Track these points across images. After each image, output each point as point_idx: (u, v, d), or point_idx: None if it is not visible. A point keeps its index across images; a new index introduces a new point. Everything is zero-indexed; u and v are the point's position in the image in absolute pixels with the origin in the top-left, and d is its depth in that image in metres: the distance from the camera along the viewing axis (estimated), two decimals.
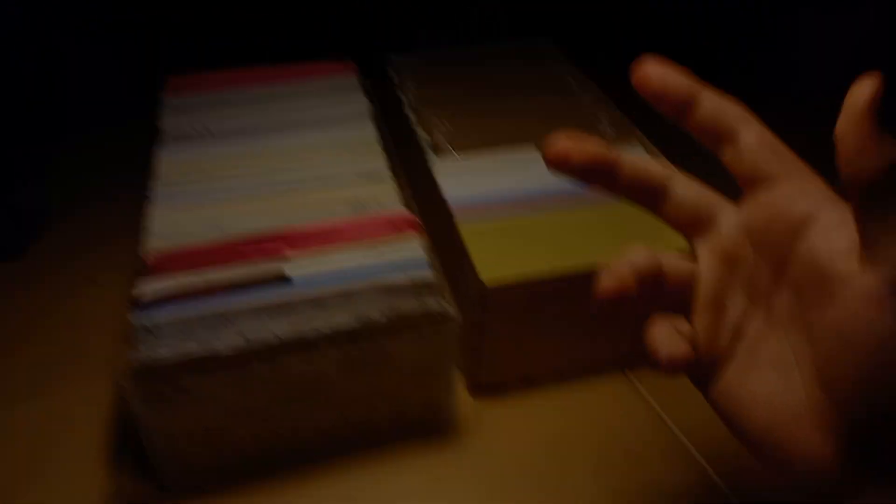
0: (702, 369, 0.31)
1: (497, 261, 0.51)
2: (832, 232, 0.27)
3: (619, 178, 0.32)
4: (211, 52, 0.82)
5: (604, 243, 0.56)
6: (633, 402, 0.54)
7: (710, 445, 0.50)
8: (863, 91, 0.24)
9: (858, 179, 0.24)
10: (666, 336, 0.30)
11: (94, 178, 0.78)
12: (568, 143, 0.32)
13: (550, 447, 0.50)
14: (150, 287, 0.45)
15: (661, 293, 0.31)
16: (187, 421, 0.44)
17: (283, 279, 0.46)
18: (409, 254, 0.49)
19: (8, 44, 0.81)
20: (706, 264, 0.32)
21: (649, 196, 0.33)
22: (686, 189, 0.33)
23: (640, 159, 0.33)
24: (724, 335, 0.31)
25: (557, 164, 0.32)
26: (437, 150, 0.63)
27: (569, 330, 0.51)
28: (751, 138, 0.30)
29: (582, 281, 0.49)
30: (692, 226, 0.33)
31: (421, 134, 0.66)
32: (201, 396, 0.43)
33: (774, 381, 0.29)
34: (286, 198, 0.55)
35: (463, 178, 0.59)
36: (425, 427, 0.51)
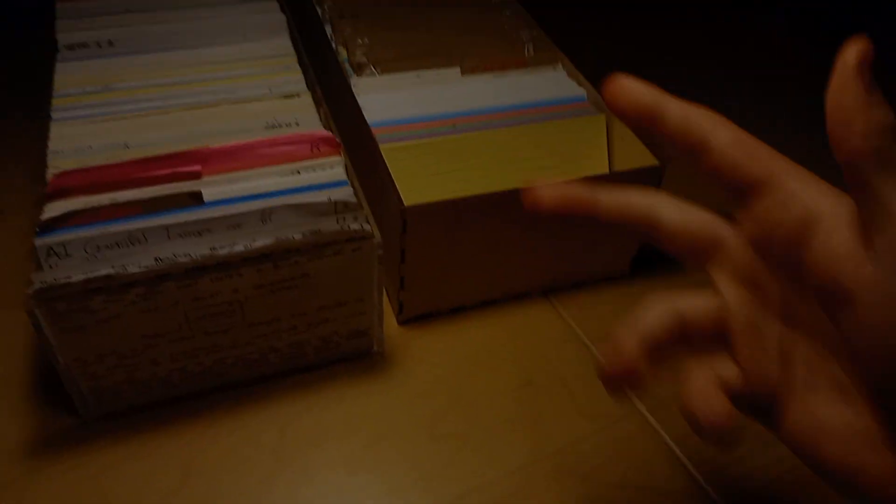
0: (761, 407, 0.28)
1: (417, 181, 0.51)
2: (836, 232, 0.24)
3: (601, 218, 0.31)
4: None
5: (526, 163, 0.57)
6: (556, 326, 0.56)
7: None
8: (852, 51, 0.22)
9: (851, 148, 0.22)
10: (702, 395, 0.27)
11: None
12: (544, 191, 0.30)
13: (476, 370, 0.52)
14: (55, 208, 0.43)
15: (691, 341, 0.29)
16: (99, 345, 0.43)
17: (196, 199, 0.45)
18: (328, 174, 0.48)
19: None
20: (728, 292, 0.29)
21: (638, 231, 0.31)
22: (675, 215, 0.30)
23: (620, 194, 0.31)
24: (772, 364, 0.27)
25: (534, 209, 0.31)
26: (355, 66, 0.61)
27: (491, 253, 0.52)
28: (723, 139, 0.27)
29: (503, 200, 0.50)
30: (697, 254, 0.30)
31: (339, 49, 0.64)
32: (111, 318, 0.42)
33: (840, 407, 0.26)
34: (197, 114, 0.53)
35: (382, 97, 0.58)
36: (353, 352, 0.51)
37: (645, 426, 0.49)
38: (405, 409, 0.49)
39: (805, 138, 0.71)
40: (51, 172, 0.46)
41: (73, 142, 0.49)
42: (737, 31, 0.97)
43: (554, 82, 0.61)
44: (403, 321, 0.55)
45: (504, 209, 0.50)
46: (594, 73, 0.62)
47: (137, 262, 0.40)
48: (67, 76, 0.56)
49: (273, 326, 0.47)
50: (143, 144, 0.50)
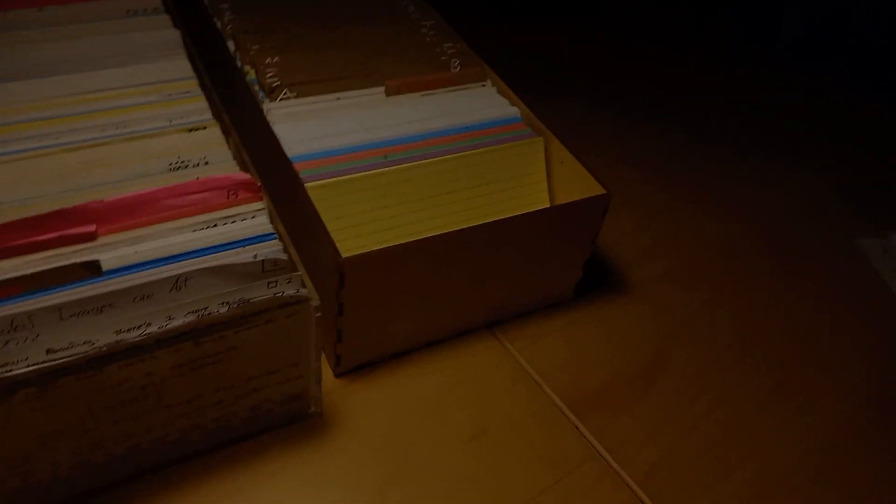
0: None
1: (349, 224, 0.46)
2: None
3: None
4: None
5: (463, 193, 0.53)
6: (505, 364, 0.52)
7: (579, 403, 0.51)
8: None
9: None
10: None
11: None
12: None
13: (424, 423, 0.48)
14: None
15: None
16: None
17: (92, 269, 0.38)
18: (250, 225, 0.42)
19: None
20: None
21: None
22: None
23: None
24: None
25: None
26: (266, 89, 0.55)
27: (432, 294, 0.48)
28: None
29: (444, 242, 0.46)
30: None
31: (246, 69, 0.57)
32: (3, 426, 0.35)
33: None
34: (85, 156, 0.45)
35: (301, 125, 0.52)
36: (287, 418, 0.46)
37: (607, 469, 0.47)
38: (350, 479, 0.44)
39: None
40: None
41: None
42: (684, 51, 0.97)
43: (485, 101, 0.57)
44: (341, 374, 0.50)
45: (445, 250, 0.46)
46: (524, 86, 0.59)
47: (25, 359, 0.33)
48: None
49: (195, 404, 0.41)
50: (20, 199, 0.41)
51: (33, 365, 0.33)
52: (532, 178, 0.54)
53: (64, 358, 0.33)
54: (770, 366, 0.55)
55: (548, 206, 0.54)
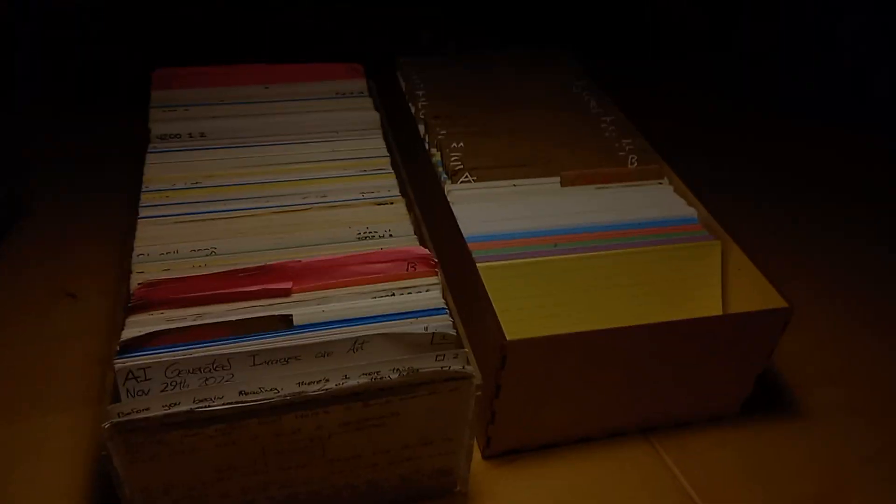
0: None
1: (516, 308, 0.47)
2: None
3: None
4: (205, 49, 0.76)
5: (630, 290, 0.52)
6: (657, 473, 0.50)
7: None
8: None
9: None
10: None
11: (75, 175, 0.72)
12: None
13: None
14: (137, 326, 0.40)
15: None
16: (168, 477, 0.39)
17: (286, 323, 0.42)
18: (424, 297, 0.44)
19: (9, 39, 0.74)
20: None
21: None
22: None
23: None
24: None
25: None
26: (449, 171, 0.58)
27: (588, 389, 0.47)
28: None
29: (607, 337, 0.46)
30: None
31: (432, 151, 0.61)
32: (186, 452, 0.38)
33: None
34: (287, 219, 0.50)
35: (478, 207, 0.55)
36: (433, 491, 0.47)
37: None
38: None
39: None
40: (135, 280, 0.44)
41: (159, 244, 0.47)
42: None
43: (661, 199, 0.57)
44: (489, 456, 0.50)
45: (608, 346, 0.45)
46: (703, 188, 0.58)
47: (221, 397, 0.37)
48: (158, 168, 0.54)
49: (352, 463, 0.43)
50: (230, 251, 0.47)
51: (228, 404, 0.36)
52: (705, 283, 0.53)
53: (253, 402, 0.37)
54: None
55: (720, 313, 0.52)
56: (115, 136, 0.77)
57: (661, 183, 0.59)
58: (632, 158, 0.60)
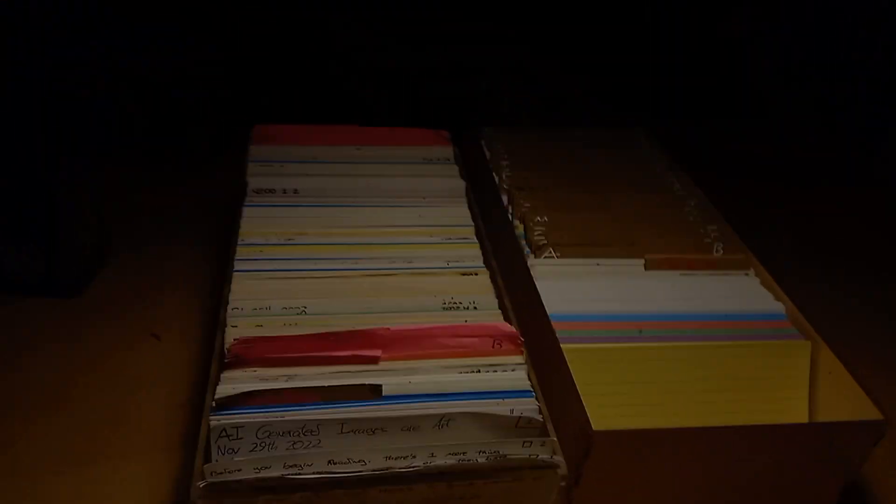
0: None
1: (600, 394, 0.46)
2: None
3: None
4: (300, 109, 0.79)
5: (714, 383, 0.51)
6: None
7: None
8: None
9: None
10: None
11: (166, 224, 0.75)
12: None
13: None
14: (231, 383, 0.41)
15: None
16: None
17: (375, 392, 0.42)
18: (510, 377, 0.44)
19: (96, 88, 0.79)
20: None
21: None
22: None
23: None
24: None
25: None
26: (533, 246, 0.59)
27: (669, 485, 0.46)
28: None
29: (693, 436, 0.45)
30: None
31: (516, 223, 0.62)
32: None
33: None
34: (375, 283, 0.51)
35: (561, 286, 0.55)
36: None
37: None
38: None
39: None
40: (230, 333, 0.45)
41: (253, 298, 0.48)
42: None
43: (747, 291, 0.56)
44: None
45: (697, 444, 0.44)
46: (789, 280, 0.57)
47: (311, 465, 0.37)
48: (253, 223, 0.56)
49: None
50: (321, 312, 0.48)
51: (318, 473, 0.37)
52: (792, 384, 0.51)
53: (342, 473, 0.37)
54: None
55: (805, 420, 0.50)
56: (192, 189, 0.80)
57: (747, 274, 0.58)
58: (717, 246, 0.60)
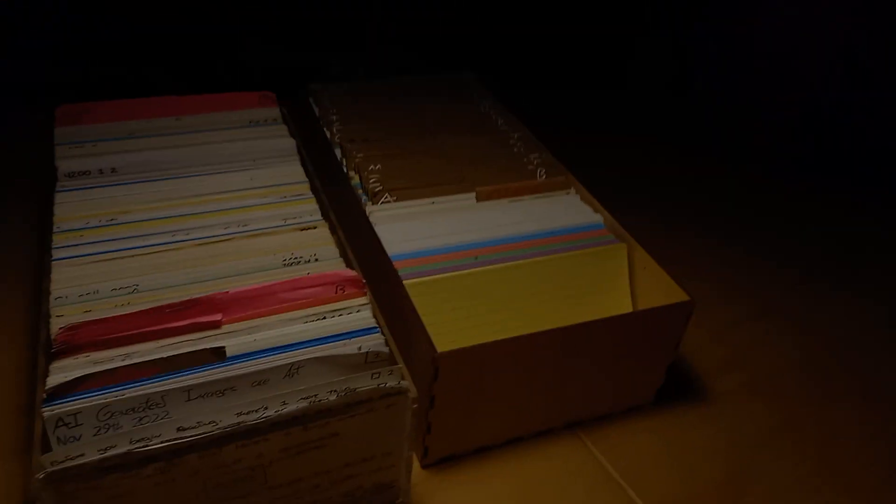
0: None
1: (443, 320, 0.49)
2: None
3: None
4: (106, 81, 0.74)
5: (548, 295, 0.55)
6: (588, 466, 0.53)
7: None
8: None
9: None
10: None
11: None
12: None
13: None
14: (62, 372, 0.39)
15: None
16: None
17: (219, 355, 0.42)
18: (355, 318, 0.46)
19: None
20: None
21: None
22: None
23: None
24: None
25: None
26: (369, 193, 0.60)
27: (518, 392, 0.50)
28: None
29: (534, 341, 0.49)
30: None
31: (351, 174, 0.63)
32: (123, 495, 0.38)
33: None
34: (209, 250, 0.50)
35: (400, 227, 0.56)
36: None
37: None
38: None
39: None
40: (55, 323, 0.43)
41: (77, 285, 0.46)
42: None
43: (569, 208, 0.61)
44: (427, 465, 0.51)
45: (531, 350, 0.48)
46: (606, 196, 0.62)
47: (158, 435, 0.37)
48: (68, 207, 0.53)
49: (294, 487, 0.44)
50: (154, 287, 0.47)
51: (166, 441, 0.36)
52: (615, 284, 0.57)
53: (192, 436, 0.37)
54: (853, 495, 0.53)
55: (631, 311, 0.56)
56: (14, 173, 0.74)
57: (567, 193, 0.63)
58: (540, 171, 0.64)
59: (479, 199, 0.61)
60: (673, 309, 0.51)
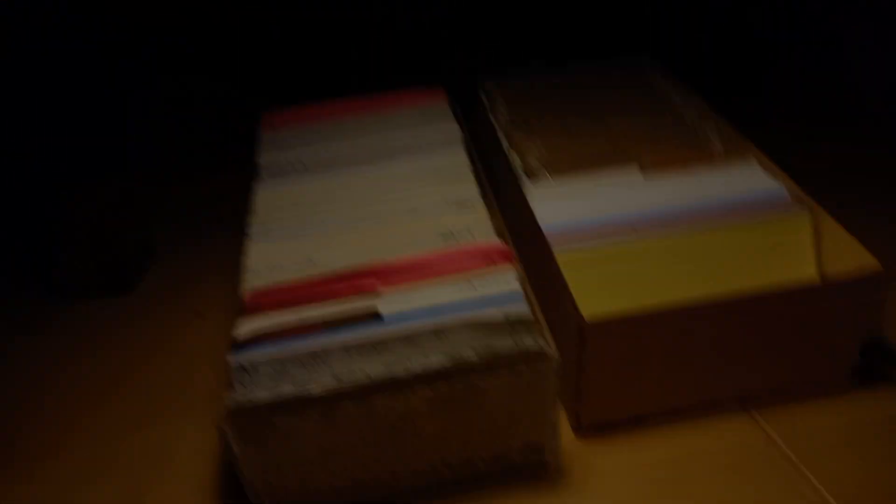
0: None
1: (597, 293, 0.48)
2: None
3: None
4: (305, 87, 0.84)
5: (709, 271, 0.51)
6: (758, 444, 0.48)
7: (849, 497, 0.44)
8: None
9: None
10: None
11: (199, 216, 0.81)
12: None
13: (662, 497, 0.46)
14: (247, 327, 0.46)
15: None
16: (281, 458, 0.44)
17: (375, 316, 0.45)
18: (503, 287, 0.47)
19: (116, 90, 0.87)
20: None
21: None
22: None
23: None
24: None
25: None
26: (530, 174, 0.60)
27: (680, 365, 0.47)
28: None
29: (691, 313, 0.46)
30: None
31: (513, 158, 0.64)
32: (293, 435, 0.43)
33: None
34: (377, 230, 0.55)
35: (558, 204, 0.56)
36: (527, 469, 0.48)
37: None
38: None
39: None
40: (246, 290, 0.50)
41: (267, 260, 0.53)
42: None
43: (746, 177, 0.56)
44: (579, 431, 0.50)
45: (693, 320, 0.45)
46: (793, 166, 0.56)
47: (320, 382, 0.41)
48: (265, 198, 0.61)
49: (444, 441, 0.46)
50: (328, 262, 0.52)
51: (323, 387, 0.41)
52: (798, 258, 0.51)
53: (343, 385, 0.41)
54: None
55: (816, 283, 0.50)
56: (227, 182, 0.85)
57: (748, 164, 0.58)
58: (716, 143, 0.60)
59: (644, 172, 0.58)
60: (860, 282, 0.45)
